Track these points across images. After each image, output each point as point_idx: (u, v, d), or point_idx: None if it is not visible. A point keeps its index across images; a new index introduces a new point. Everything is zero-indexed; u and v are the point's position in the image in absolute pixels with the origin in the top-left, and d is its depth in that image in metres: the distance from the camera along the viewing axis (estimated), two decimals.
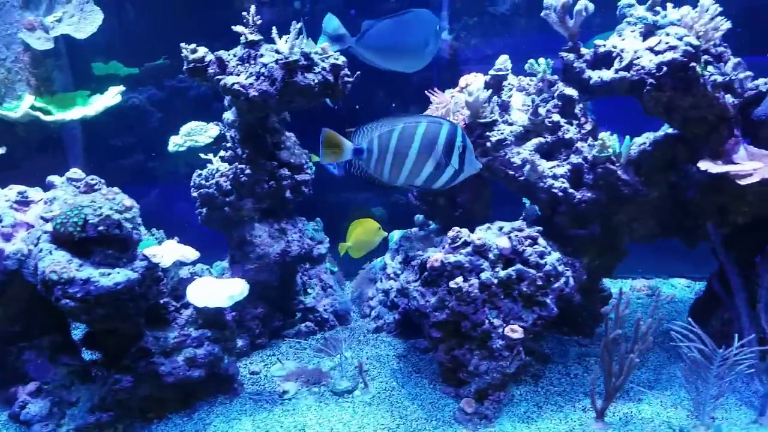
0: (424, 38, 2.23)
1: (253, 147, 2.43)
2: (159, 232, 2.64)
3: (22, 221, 2.07)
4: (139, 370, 2.02)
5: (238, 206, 2.47)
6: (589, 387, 2.04)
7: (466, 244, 2.18)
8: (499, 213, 2.61)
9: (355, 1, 3.36)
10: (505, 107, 2.43)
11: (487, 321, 2.12)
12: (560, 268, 2.18)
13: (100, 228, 1.87)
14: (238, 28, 2.18)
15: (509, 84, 2.47)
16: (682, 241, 2.56)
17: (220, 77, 2.17)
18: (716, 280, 2.39)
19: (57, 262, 1.84)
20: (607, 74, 2.18)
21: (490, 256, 2.17)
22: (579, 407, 2.15)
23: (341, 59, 2.25)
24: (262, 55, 2.15)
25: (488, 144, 2.37)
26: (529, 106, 2.40)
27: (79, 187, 2.12)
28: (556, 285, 2.16)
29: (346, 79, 2.24)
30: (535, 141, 2.33)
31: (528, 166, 2.26)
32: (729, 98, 2.19)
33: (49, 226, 1.92)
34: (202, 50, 2.21)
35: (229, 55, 2.24)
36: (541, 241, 2.23)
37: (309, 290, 2.79)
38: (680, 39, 2.07)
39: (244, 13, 2.18)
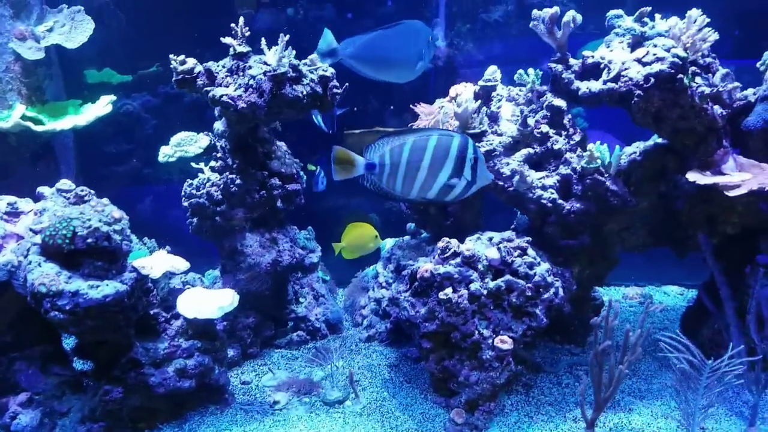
0: (416, 50, 2.24)
1: (243, 157, 2.43)
2: (150, 241, 2.64)
3: (12, 232, 2.07)
4: (129, 381, 2.03)
5: (228, 216, 2.47)
6: (579, 397, 2.05)
7: (455, 254, 2.18)
8: (490, 221, 2.62)
9: (349, 7, 3.37)
10: (494, 118, 2.43)
11: (476, 332, 2.12)
12: (549, 279, 2.19)
13: (89, 240, 1.87)
14: (227, 40, 2.19)
15: (498, 95, 2.48)
16: (672, 250, 2.57)
17: (209, 89, 2.18)
18: (706, 292, 2.39)
19: (46, 275, 1.84)
20: (595, 85, 2.18)
21: (480, 267, 2.17)
22: (570, 417, 2.15)
23: (330, 71, 2.26)
24: (250, 67, 2.15)
25: None
26: (518, 116, 2.41)
27: (69, 198, 2.13)
28: (545, 296, 2.17)
29: (334, 90, 2.24)
30: (524, 152, 2.33)
31: (517, 177, 2.26)
32: (717, 109, 2.19)
33: (38, 238, 1.92)
34: (191, 62, 2.22)
35: (218, 66, 2.24)
36: (530, 251, 2.23)
37: (301, 299, 2.79)
38: (668, 50, 2.08)
39: (233, 25, 2.18)
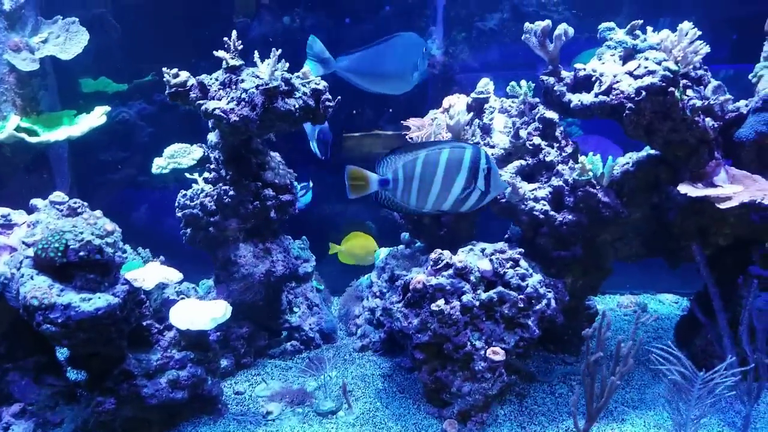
0: (411, 62, 2.26)
1: (236, 168, 2.43)
2: (145, 251, 2.65)
3: (5, 244, 2.07)
4: (122, 392, 2.03)
5: (222, 226, 2.47)
6: (572, 407, 2.05)
7: (448, 266, 2.18)
8: (484, 230, 2.63)
9: (346, 14, 3.37)
10: (486, 130, 2.44)
11: (469, 343, 2.12)
12: (542, 290, 2.19)
13: (81, 253, 1.88)
14: (220, 54, 2.19)
15: (491, 106, 2.49)
16: (665, 261, 2.57)
17: (201, 102, 2.18)
18: (698, 303, 2.39)
19: (38, 288, 1.85)
20: (587, 98, 2.19)
21: (472, 278, 2.17)
22: (563, 427, 2.16)
23: (322, 84, 2.26)
24: (243, 80, 2.16)
25: None
26: (510, 128, 2.41)
27: (62, 210, 2.13)
28: (537, 307, 2.17)
29: (327, 103, 2.25)
30: (517, 163, 2.34)
31: (509, 189, 2.27)
32: (709, 121, 2.20)
33: (30, 251, 1.92)
34: (183, 74, 2.22)
35: (210, 79, 2.25)
36: (522, 263, 2.24)
37: (295, 309, 2.79)
38: (659, 63, 2.09)
39: (226, 39, 2.19)
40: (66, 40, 2.66)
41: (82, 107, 2.84)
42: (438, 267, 2.19)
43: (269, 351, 2.73)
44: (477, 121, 2.45)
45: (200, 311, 2.13)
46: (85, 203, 2.16)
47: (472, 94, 2.49)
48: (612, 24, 2.30)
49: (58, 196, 2.15)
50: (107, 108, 2.75)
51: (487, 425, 2.16)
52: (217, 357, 2.28)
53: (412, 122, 2.49)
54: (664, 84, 2.06)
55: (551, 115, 2.31)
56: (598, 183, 2.25)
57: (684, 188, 2.15)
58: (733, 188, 2.10)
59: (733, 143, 2.31)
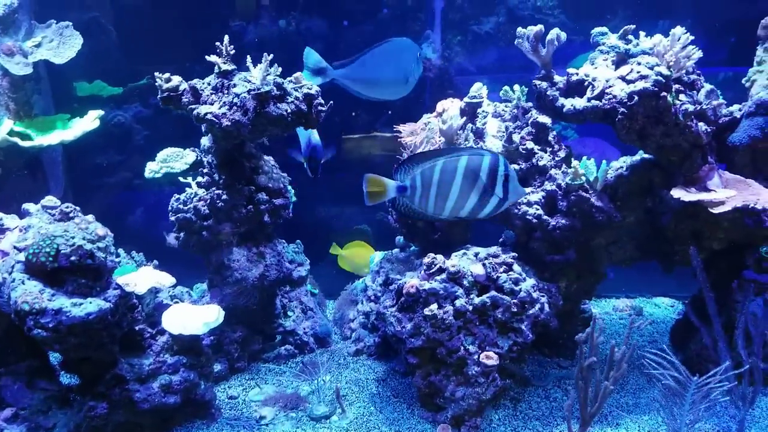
0: (405, 67, 2.26)
1: (230, 172, 2.43)
2: (139, 255, 2.64)
3: None
4: (114, 397, 2.02)
5: (216, 231, 2.47)
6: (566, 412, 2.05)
7: (441, 270, 2.18)
8: (480, 234, 2.63)
9: (343, 16, 3.37)
10: (479, 134, 2.44)
11: (462, 347, 2.12)
12: (535, 295, 2.19)
13: (73, 258, 1.87)
14: (212, 58, 2.19)
15: (484, 111, 2.48)
16: (659, 264, 2.57)
17: (193, 106, 2.18)
18: (693, 307, 2.39)
19: (29, 293, 1.84)
20: (579, 102, 2.19)
21: (465, 283, 2.17)
22: None
23: (315, 89, 2.26)
24: (235, 85, 2.16)
25: None
26: (503, 132, 2.41)
27: (54, 215, 2.12)
28: (530, 311, 2.17)
29: (319, 108, 2.25)
30: None
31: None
32: (702, 126, 2.20)
33: (22, 256, 1.92)
34: (176, 79, 2.22)
35: (203, 83, 2.25)
36: (516, 267, 2.23)
37: (289, 313, 2.79)
38: (651, 68, 2.09)
39: (218, 44, 2.19)
40: (60, 44, 2.66)
41: (77, 111, 2.84)
42: (431, 271, 2.19)
43: (263, 355, 2.72)
44: (470, 125, 2.44)
45: (193, 316, 2.13)
46: (78, 208, 2.15)
47: (465, 99, 2.49)
48: (605, 29, 2.30)
49: (50, 200, 2.14)
50: (101, 112, 2.74)
51: (482, 430, 2.16)
52: (210, 361, 2.27)
53: (404, 127, 2.49)
54: (656, 89, 2.05)
55: (544, 119, 2.31)
56: (592, 187, 2.25)
57: (677, 192, 2.15)
58: (727, 192, 2.10)
59: (726, 147, 2.31)
